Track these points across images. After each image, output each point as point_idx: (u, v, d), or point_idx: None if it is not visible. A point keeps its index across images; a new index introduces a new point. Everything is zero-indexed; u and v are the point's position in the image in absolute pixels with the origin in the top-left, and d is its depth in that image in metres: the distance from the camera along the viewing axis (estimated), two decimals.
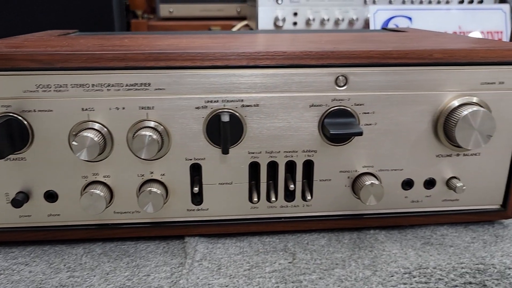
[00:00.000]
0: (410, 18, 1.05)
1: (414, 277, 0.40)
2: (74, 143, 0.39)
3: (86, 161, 0.42)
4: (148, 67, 0.40)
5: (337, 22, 1.10)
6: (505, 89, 0.44)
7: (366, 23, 1.11)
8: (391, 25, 1.05)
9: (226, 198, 0.45)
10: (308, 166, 0.45)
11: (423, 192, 0.47)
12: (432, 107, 0.44)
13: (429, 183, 0.46)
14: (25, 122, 0.40)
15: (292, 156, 0.44)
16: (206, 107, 0.41)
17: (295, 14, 1.09)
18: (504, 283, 0.39)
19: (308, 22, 1.10)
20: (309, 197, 0.45)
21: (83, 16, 1.00)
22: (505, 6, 1.07)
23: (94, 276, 0.41)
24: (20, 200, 0.42)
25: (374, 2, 1.10)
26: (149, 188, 0.42)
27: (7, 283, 0.39)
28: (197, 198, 0.45)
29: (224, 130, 0.41)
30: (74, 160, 0.42)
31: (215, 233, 0.47)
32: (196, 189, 0.43)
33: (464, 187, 0.45)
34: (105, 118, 0.41)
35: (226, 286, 0.39)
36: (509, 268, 0.41)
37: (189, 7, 1.60)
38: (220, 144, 0.42)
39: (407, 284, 0.39)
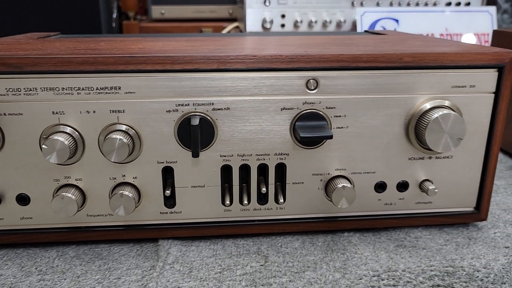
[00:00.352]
0: (397, 20, 1.06)
1: (382, 279, 0.40)
2: (44, 146, 0.39)
3: (58, 164, 0.42)
4: (118, 71, 0.40)
5: (325, 24, 1.10)
6: (476, 93, 0.44)
7: (354, 25, 1.11)
8: (378, 27, 1.06)
9: (199, 201, 0.45)
10: (281, 169, 0.45)
11: (396, 194, 0.47)
12: (404, 110, 0.44)
13: (402, 186, 0.47)
14: None
15: (264, 159, 0.44)
16: (177, 110, 0.42)
17: (283, 16, 1.10)
18: (472, 286, 0.39)
19: (296, 24, 1.10)
20: (281, 200, 0.45)
21: (70, 18, 1.00)
22: (492, 9, 1.07)
23: (65, 279, 0.41)
24: None
25: (361, 5, 1.10)
26: (121, 191, 0.42)
27: None
28: (170, 201, 0.45)
29: (194, 134, 0.41)
30: (45, 163, 0.42)
31: (188, 236, 0.47)
32: (168, 192, 0.43)
33: (436, 190, 0.45)
34: (76, 122, 0.41)
35: None
36: (478, 271, 0.41)
37: (181, 9, 1.60)
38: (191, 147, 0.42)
39: (375, 287, 0.39)
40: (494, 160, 0.46)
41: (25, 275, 0.41)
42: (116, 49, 0.45)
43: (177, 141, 0.42)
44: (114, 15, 1.20)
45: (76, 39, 0.56)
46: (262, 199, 0.46)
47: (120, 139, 0.40)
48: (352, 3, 1.10)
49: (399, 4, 1.11)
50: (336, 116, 0.43)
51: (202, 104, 0.42)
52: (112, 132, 0.41)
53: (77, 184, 0.43)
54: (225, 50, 0.44)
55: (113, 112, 0.41)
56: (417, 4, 1.12)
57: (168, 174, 0.44)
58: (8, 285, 0.40)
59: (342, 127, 0.44)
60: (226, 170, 0.44)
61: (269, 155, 0.44)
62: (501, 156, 0.71)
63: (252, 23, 1.09)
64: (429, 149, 0.44)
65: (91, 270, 0.42)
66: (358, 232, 0.48)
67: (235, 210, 0.46)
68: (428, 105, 0.43)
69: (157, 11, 1.60)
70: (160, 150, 0.43)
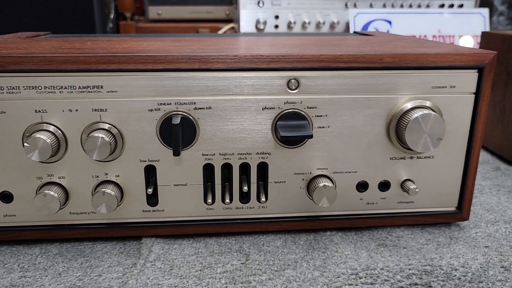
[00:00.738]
0: (390, 22, 1.06)
1: (360, 278, 0.40)
2: (26, 144, 0.40)
3: (40, 162, 0.42)
4: (100, 70, 0.40)
5: (318, 26, 1.10)
6: (457, 93, 0.44)
7: (348, 27, 1.11)
8: (371, 29, 1.06)
9: (181, 199, 0.45)
10: (263, 168, 0.45)
11: (378, 194, 0.47)
12: (384, 111, 0.44)
13: (384, 186, 0.47)
14: None
15: (246, 158, 0.44)
16: (159, 109, 0.42)
17: (277, 17, 1.10)
18: (450, 284, 0.40)
19: (289, 25, 1.10)
20: (263, 199, 0.45)
21: (65, 18, 1.01)
22: (485, 11, 1.08)
23: (46, 276, 0.41)
24: None
25: (355, 6, 1.11)
26: (103, 189, 0.42)
27: None
28: (152, 199, 0.45)
29: (175, 133, 0.41)
30: (28, 161, 0.42)
31: (171, 234, 0.47)
32: (150, 190, 0.44)
33: (417, 190, 0.46)
34: (59, 120, 0.41)
35: (176, 286, 0.40)
36: (456, 270, 0.41)
37: (178, 9, 1.61)
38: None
39: (353, 285, 0.39)
40: (475, 160, 0.46)
41: (6, 272, 0.42)
42: (100, 48, 0.45)
43: (159, 140, 0.43)
44: (112, 16, 1.20)
45: (63, 39, 0.56)
46: (245, 198, 0.46)
47: (102, 137, 0.40)
48: (346, 5, 1.11)
49: (393, 6, 1.12)
50: (318, 116, 0.44)
51: (184, 103, 0.42)
52: (94, 130, 0.41)
53: (60, 182, 0.43)
54: (207, 50, 0.44)
55: (95, 110, 0.42)
56: (410, 6, 1.13)
57: (150, 172, 0.44)
58: None
59: (323, 127, 0.44)
60: (208, 169, 0.45)
61: (251, 154, 0.44)
62: (487, 157, 0.72)
63: (246, 24, 1.10)
64: (410, 149, 0.44)
65: (72, 267, 0.42)
66: (340, 231, 0.49)
67: (218, 208, 0.46)
68: (409, 105, 0.44)
69: (154, 11, 1.60)
70: (142, 149, 0.43)
